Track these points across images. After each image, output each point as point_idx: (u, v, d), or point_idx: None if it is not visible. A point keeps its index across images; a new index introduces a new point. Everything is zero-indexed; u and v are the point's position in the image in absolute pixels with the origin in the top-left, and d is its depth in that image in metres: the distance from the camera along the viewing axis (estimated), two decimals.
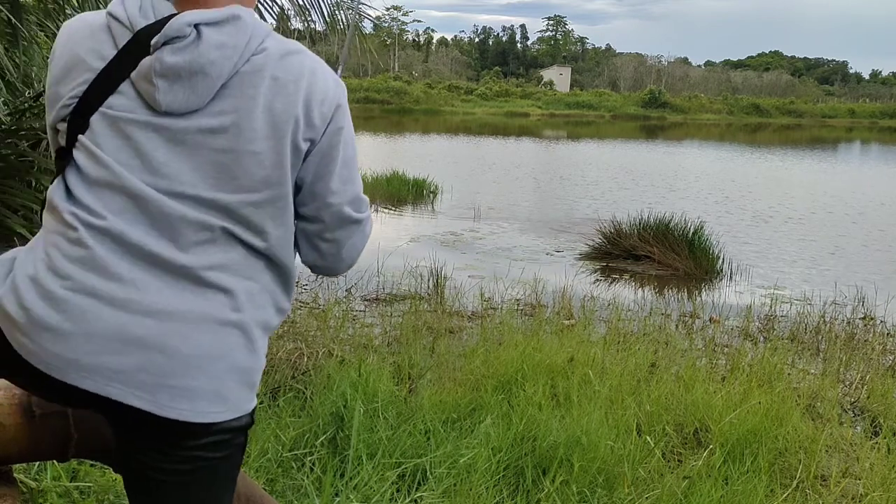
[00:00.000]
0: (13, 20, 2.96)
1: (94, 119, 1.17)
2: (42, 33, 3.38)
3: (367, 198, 1.34)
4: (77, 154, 1.18)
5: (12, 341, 1.17)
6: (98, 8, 2.68)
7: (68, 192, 1.18)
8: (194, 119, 1.16)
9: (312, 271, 1.37)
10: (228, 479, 1.30)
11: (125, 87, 1.17)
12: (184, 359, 1.14)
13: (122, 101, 1.16)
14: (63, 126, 1.21)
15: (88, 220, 1.15)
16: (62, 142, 1.22)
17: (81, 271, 1.13)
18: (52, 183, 1.24)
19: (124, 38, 1.17)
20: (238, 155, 1.16)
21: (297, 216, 1.28)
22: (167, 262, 1.15)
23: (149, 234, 1.15)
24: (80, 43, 1.20)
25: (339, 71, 2.11)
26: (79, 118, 1.18)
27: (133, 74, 1.16)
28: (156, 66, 1.14)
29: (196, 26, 1.14)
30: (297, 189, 1.25)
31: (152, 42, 1.14)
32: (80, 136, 1.18)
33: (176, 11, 1.18)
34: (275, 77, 1.18)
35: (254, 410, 1.26)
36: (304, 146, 1.22)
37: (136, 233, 1.14)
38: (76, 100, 1.18)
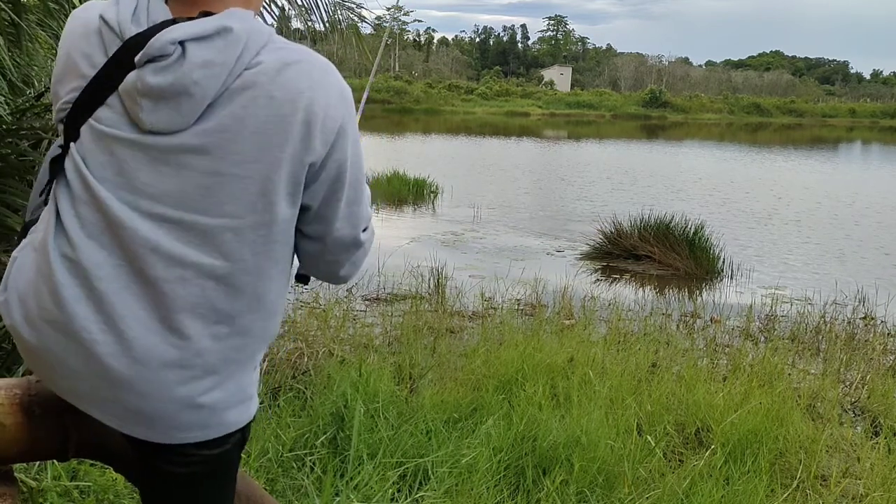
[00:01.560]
0: (15, 19, 2.96)
1: (83, 130, 1.13)
2: (43, 33, 3.38)
3: (370, 213, 1.28)
4: (67, 163, 1.15)
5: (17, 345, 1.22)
6: None
7: (56, 211, 1.15)
8: (180, 138, 1.09)
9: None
10: (228, 475, 1.32)
11: (113, 99, 1.11)
12: (152, 402, 1.14)
13: (108, 115, 1.11)
14: (61, 127, 1.18)
15: (63, 251, 1.12)
16: (62, 141, 1.19)
17: (54, 307, 1.12)
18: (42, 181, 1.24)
19: (114, 45, 1.11)
20: (223, 178, 1.10)
21: (299, 233, 1.22)
22: (128, 307, 1.11)
23: (116, 270, 1.11)
24: (75, 44, 1.15)
25: (369, 83, 2.04)
26: (72, 124, 1.15)
27: (120, 88, 1.11)
28: (138, 86, 1.08)
29: (182, 43, 1.07)
30: (303, 210, 1.19)
31: (136, 59, 1.08)
32: (71, 145, 1.14)
33: (171, 17, 1.12)
34: (270, 96, 1.09)
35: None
36: (305, 170, 1.14)
37: (103, 269, 1.10)
38: (70, 105, 1.15)
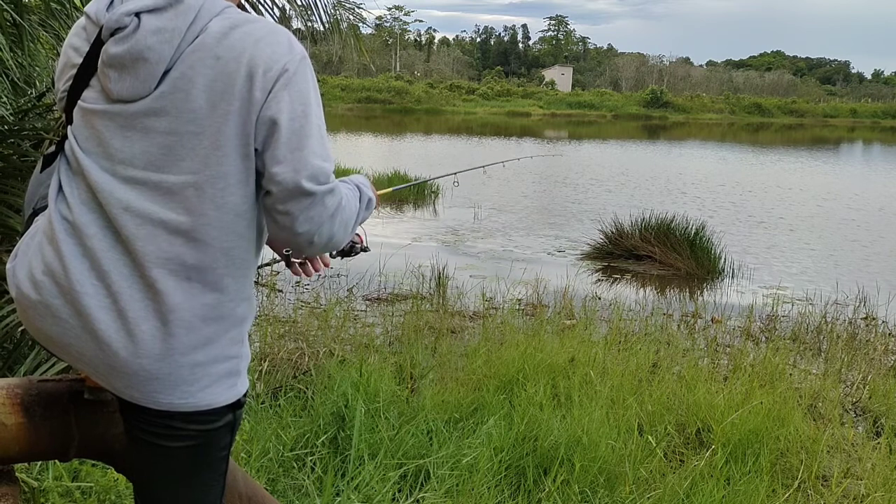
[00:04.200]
0: (17, 20, 2.97)
1: (74, 111, 1.27)
2: (45, 33, 3.38)
3: (327, 167, 1.24)
4: (66, 144, 1.29)
5: (17, 312, 1.31)
6: None
7: (59, 182, 1.28)
8: (142, 104, 1.20)
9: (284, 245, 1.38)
10: (216, 457, 1.34)
11: (94, 80, 1.25)
12: (133, 357, 1.21)
13: (91, 94, 1.25)
14: (63, 117, 1.33)
15: (64, 213, 1.24)
16: (66, 129, 1.32)
17: (56, 261, 1.23)
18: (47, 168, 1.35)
19: (94, 33, 1.25)
20: (180, 136, 1.19)
21: (260, 191, 1.26)
22: (113, 263, 1.21)
23: (103, 231, 1.22)
24: (69, 42, 1.30)
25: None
26: (68, 109, 1.29)
27: (98, 67, 1.24)
28: (104, 58, 1.21)
29: (138, 15, 1.19)
30: (257, 158, 1.23)
31: (102, 35, 1.21)
32: (69, 127, 1.28)
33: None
34: (217, 56, 1.19)
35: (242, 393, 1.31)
36: (253, 119, 1.19)
37: (92, 229, 1.22)
38: (66, 93, 1.29)
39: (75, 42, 1.28)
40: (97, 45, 1.23)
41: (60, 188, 1.27)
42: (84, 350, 1.23)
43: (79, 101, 1.25)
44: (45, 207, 1.36)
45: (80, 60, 1.25)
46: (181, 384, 1.23)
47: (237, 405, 1.30)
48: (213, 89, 1.18)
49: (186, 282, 1.21)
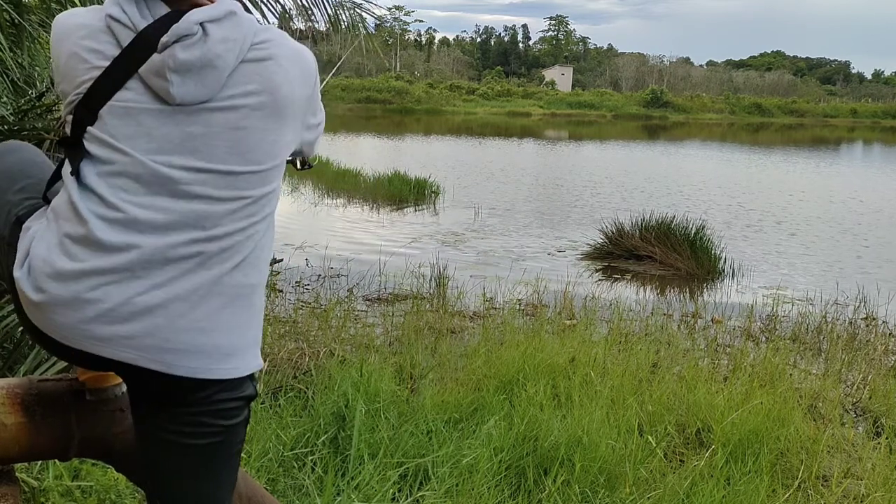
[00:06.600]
0: (17, 20, 2.97)
1: (104, 111, 1.26)
2: (45, 33, 3.38)
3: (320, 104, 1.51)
4: (89, 145, 1.27)
5: (33, 320, 1.27)
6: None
7: (81, 183, 1.26)
8: (205, 105, 1.27)
9: None
10: (231, 454, 1.39)
11: (133, 82, 1.26)
12: (186, 325, 1.24)
13: (131, 95, 1.26)
14: (70, 118, 1.30)
15: (101, 213, 1.23)
16: (68, 131, 1.31)
17: (90, 253, 1.22)
18: (56, 172, 1.34)
19: (128, 38, 1.27)
20: (248, 132, 1.29)
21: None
22: (174, 239, 1.24)
23: (161, 214, 1.24)
24: (79, 43, 1.28)
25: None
26: (85, 111, 1.27)
27: (142, 71, 1.25)
28: (169, 63, 1.24)
29: (202, 24, 1.25)
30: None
31: (162, 41, 1.24)
32: (89, 128, 1.27)
33: (169, 10, 1.29)
34: (279, 64, 1.32)
35: (255, 384, 1.36)
36: (305, 125, 1.41)
37: (140, 225, 1.23)
38: (81, 95, 1.27)
39: (94, 45, 1.27)
40: (137, 48, 1.25)
41: (82, 189, 1.25)
42: (133, 332, 1.23)
43: (112, 102, 1.26)
44: (30, 213, 1.35)
45: (104, 63, 1.26)
46: (236, 353, 1.29)
47: (252, 398, 1.36)
48: (279, 92, 1.31)
49: (242, 258, 1.29)
